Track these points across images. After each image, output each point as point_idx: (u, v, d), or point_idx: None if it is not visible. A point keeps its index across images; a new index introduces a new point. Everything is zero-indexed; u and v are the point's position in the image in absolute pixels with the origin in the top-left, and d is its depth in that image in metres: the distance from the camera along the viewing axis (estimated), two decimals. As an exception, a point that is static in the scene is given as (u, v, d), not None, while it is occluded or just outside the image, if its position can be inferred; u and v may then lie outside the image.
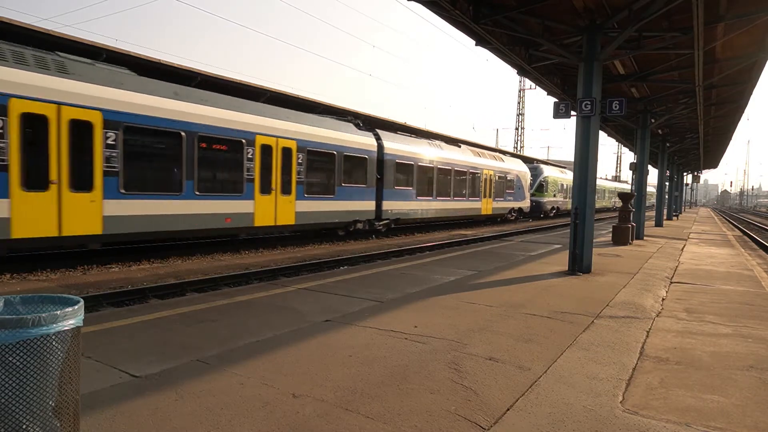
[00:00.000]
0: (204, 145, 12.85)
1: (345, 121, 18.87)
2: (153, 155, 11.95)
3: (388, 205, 19.80)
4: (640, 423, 3.14)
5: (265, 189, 14.52)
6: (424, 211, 22.34)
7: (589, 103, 8.96)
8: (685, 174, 45.88)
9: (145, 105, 11.54)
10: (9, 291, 8.88)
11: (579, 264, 9.05)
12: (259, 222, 14.45)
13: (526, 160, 38.76)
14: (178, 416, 3.02)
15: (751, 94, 15.89)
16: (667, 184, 29.68)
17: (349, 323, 5.19)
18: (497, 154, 32.15)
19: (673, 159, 31.28)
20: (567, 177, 40.69)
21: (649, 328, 5.45)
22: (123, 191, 11.14)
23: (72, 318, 2.25)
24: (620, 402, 3.45)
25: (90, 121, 10.51)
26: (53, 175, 9.95)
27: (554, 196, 38.11)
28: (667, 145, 23.96)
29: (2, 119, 9.24)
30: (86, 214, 10.51)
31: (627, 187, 57.54)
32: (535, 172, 35.62)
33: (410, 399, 3.37)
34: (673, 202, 35.47)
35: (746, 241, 22.76)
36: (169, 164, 12.21)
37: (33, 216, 9.68)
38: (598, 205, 43.51)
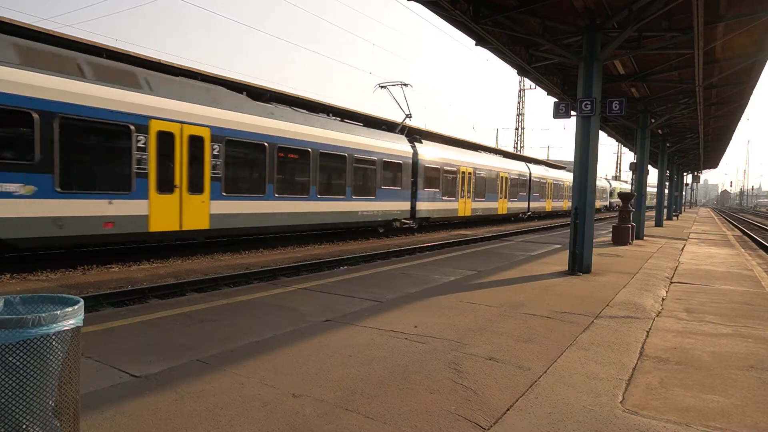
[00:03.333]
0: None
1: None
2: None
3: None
4: (640, 423, 3.14)
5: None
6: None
7: (589, 103, 8.96)
8: (685, 174, 45.88)
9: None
10: (9, 291, 8.89)
11: (579, 264, 9.05)
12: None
13: (518, 158, 37.44)
14: (178, 416, 3.02)
15: (751, 94, 15.89)
16: (667, 184, 29.70)
17: (349, 323, 5.19)
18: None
19: (673, 159, 31.27)
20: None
21: (649, 328, 5.45)
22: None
23: (72, 318, 2.25)
24: (620, 402, 3.45)
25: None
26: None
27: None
28: (667, 145, 23.96)
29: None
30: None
31: (627, 187, 57.48)
32: None
33: (410, 399, 3.37)
34: (673, 202, 35.47)
35: (746, 241, 22.76)
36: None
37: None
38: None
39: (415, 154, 21.32)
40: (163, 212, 12.01)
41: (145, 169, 11.57)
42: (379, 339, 4.68)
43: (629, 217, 15.17)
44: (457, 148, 26.25)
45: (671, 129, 21.52)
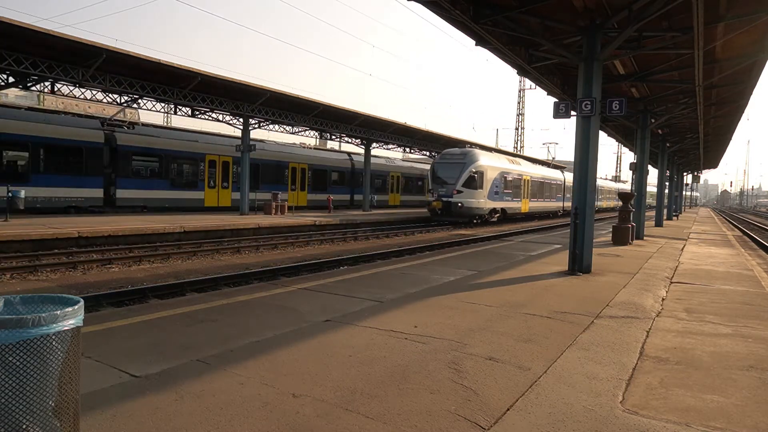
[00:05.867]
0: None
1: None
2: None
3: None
4: (640, 423, 3.13)
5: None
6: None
7: (589, 103, 8.96)
8: (685, 174, 45.85)
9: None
10: (9, 291, 8.88)
11: (579, 264, 9.05)
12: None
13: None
14: (178, 416, 3.02)
15: (751, 94, 15.88)
16: (666, 184, 29.67)
17: (350, 323, 5.19)
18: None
19: (673, 159, 31.24)
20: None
21: (649, 328, 5.45)
22: None
23: (72, 318, 2.24)
24: (620, 402, 3.44)
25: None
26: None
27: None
28: (667, 145, 23.94)
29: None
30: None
31: (626, 187, 57.46)
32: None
33: (410, 399, 3.37)
34: (673, 202, 35.44)
35: (746, 241, 22.75)
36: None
37: None
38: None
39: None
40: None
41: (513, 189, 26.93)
42: (379, 339, 4.67)
43: (629, 217, 15.16)
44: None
45: (671, 129, 21.51)
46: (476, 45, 10.73)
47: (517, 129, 61.83)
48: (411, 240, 19.62)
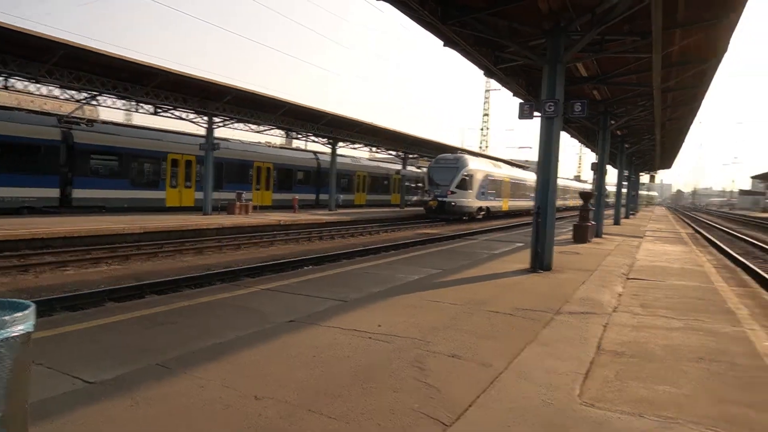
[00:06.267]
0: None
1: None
2: None
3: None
4: (597, 415, 3.23)
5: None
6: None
7: (552, 104, 9.14)
8: (641, 174, 47.38)
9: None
10: (-44, 295, 8.47)
11: (540, 262, 9.24)
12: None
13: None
14: (133, 422, 2.95)
15: (703, 97, 16.53)
16: (625, 183, 30.63)
17: (314, 323, 5.16)
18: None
19: (631, 159, 32.27)
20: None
21: (606, 323, 5.62)
22: None
23: (21, 323, 2.16)
24: (578, 395, 3.54)
25: None
26: None
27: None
28: (626, 146, 24.70)
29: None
30: None
31: (587, 187, 58.97)
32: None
33: (374, 398, 3.38)
34: (630, 201, 36.59)
35: (698, 239, 23.66)
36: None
37: None
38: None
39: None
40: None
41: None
42: (343, 339, 4.67)
43: (589, 216, 15.57)
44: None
45: (630, 130, 22.19)
46: (444, 46, 10.83)
47: (482, 129, 62.74)
48: (376, 239, 19.66)
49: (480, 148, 61.05)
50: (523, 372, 3.95)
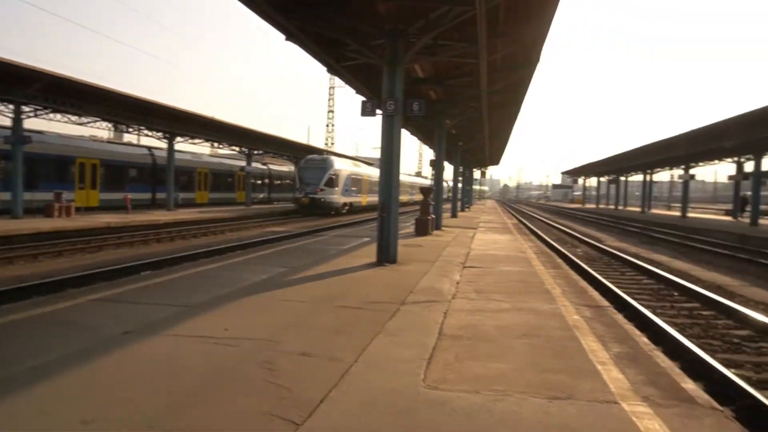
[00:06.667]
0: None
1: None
2: None
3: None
4: (439, 396, 3.45)
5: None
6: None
7: (392, 103, 9.52)
8: (475, 170, 51.88)
9: None
10: None
11: (386, 255, 9.61)
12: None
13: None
14: None
15: (523, 100, 18.61)
16: (460, 179, 33.32)
17: (153, 333, 4.75)
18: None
19: (466, 156, 35.19)
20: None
21: (447, 310, 6.04)
22: None
23: None
24: (422, 380, 3.74)
25: None
26: None
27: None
28: (460, 143, 26.80)
29: None
30: None
31: (427, 182, 62.92)
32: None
33: (223, 405, 3.21)
34: (465, 195, 39.87)
35: (521, 228, 26.61)
36: None
37: None
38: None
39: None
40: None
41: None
42: (187, 347, 4.37)
43: (429, 210, 16.60)
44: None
45: (463, 129, 24.11)
46: (286, 40, 10.66)
47: (327, 126, 63.32)
48: (221, 239, 18.80)
49: (326, 145, 61.61)
50: (372, 363, 4.08)
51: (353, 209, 36.28)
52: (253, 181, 38.55)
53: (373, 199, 42.21)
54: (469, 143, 29.05)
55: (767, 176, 28.18)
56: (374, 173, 42.65)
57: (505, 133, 30.24)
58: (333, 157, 35.43)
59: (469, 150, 33.70)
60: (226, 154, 44.94)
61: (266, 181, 42.95)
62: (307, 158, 33.95)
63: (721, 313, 8.12)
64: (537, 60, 12.66)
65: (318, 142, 70.18)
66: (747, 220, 27.94)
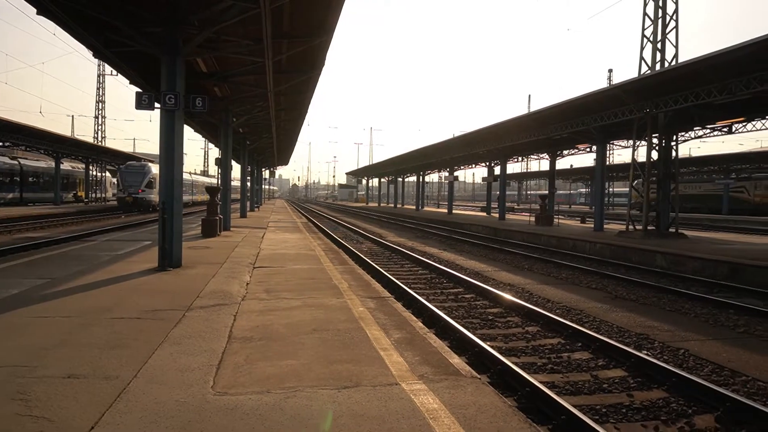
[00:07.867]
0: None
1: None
2: None
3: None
4: (229, 401, 3.37)
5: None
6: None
7: (173, 97, 8.90)
8: (264, 169, 51.37)
9: None
10: None
11: (169, 259, 8.95)
12: None
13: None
14: None
15: (309, 103, 19.09)
16: (249, 178, 32.70)
17: None
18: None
19: (254, 156, 34.68)
20: (200, 178, 45.18)
21: (236, 312, 5.90)
22: None
23: None
24: (211, 387, 3.61)
25: None
26: None
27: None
28: (248, 143, 26.29)
29: None
30: None
31: (215, 182, 60.32)
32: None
33: (-46, 452, 2.64)
34: (254, 195, 39.26)
35: (310, 227, 27.28)
36: None
37: None
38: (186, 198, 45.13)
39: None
40: None
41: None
42: None
43: (217, 210, 15.94)
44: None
45: (251, 129, 23.70)
46: (37, 14, 9.13)
47: (97, 117, 55.82)
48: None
49: (95, 138, 54.23)
50: (155, 376, 3.78)
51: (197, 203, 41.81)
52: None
53: (185, 197, 43.22)
54: (258, 142, 28.71)
55: (512, 179, 34.22)
56: (197, 178, 51.41)
57: (294, 133, 30.67)
58: (150, 164, 40.38)
59: (258, 149, 33.30)
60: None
61: (17, 178, 36.27)
62: (128, 164, 39.38)
63: (479, 295, 9.54)
64: (322, 64, 13.12)
65: (86, 135, 61.70)
66: (497, 215, 33.24)
